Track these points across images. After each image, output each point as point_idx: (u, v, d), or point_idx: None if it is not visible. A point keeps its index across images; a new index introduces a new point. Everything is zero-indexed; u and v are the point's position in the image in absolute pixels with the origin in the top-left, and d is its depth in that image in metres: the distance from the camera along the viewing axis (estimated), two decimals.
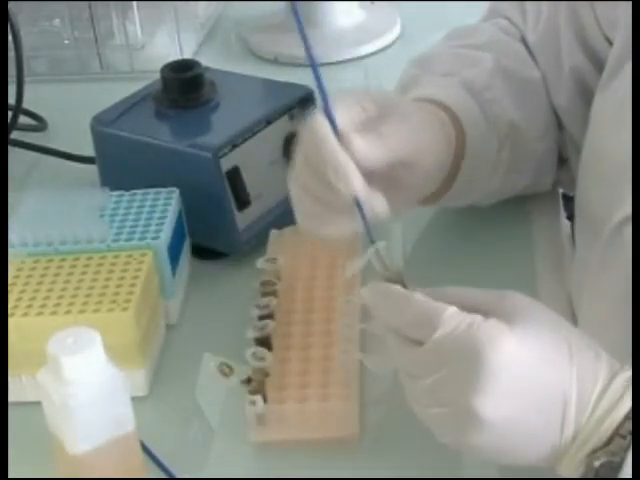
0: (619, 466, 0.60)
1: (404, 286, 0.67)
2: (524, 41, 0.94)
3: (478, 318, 0.61)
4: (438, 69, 0.91)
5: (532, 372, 0.61)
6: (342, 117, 0.71)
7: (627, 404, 0.61)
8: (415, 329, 0.63)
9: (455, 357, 0.61)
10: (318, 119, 0.70)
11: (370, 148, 0.72)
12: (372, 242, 0.70)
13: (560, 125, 0.93)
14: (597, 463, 0.60)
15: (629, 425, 0.60)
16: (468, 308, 0.63)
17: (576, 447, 0.61)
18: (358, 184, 0.70)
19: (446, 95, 0.85)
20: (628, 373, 0.62)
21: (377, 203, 0.71)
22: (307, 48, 0.67)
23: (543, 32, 0.91)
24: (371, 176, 0.72)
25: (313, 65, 0.67)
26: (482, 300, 0.63)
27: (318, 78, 0.68)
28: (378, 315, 0.66)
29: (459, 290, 0.65)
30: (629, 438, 0.60)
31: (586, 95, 0.88)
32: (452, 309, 0.62)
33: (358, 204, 0.70)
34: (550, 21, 0.91)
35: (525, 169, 0.92)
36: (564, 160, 0.95)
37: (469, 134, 0.84)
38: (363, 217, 0.71)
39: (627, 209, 0.71)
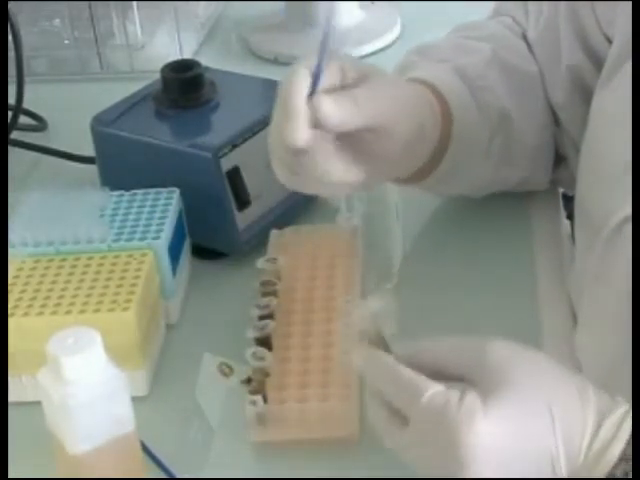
0: None
1: (387, 347, 0.65)
2: (525, 39, 0.94)
3: (454, 398, 0.60)
4: (435, 56, 0.91)
5: (512, 442, 0.60)
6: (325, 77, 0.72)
7: (618, 446, 0.60)
8: (398, 400, 0.63)
9: (435, 440, 0.61)
10: (297, 68, 0.72)
11: (339, 109, 0.72)
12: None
13: (557, 122, 0.93)
14: None
15: (624, 466, 0.59)
16: (447, 372, 0.62)
17: None
18: (302, 133, 0.71)
19: (438, 79, 0.85)
20: (615, 416, 0.61)
21: (325, 106, 0.71)
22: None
23: (543, 30, 0.91)
24: (347, 141, 0.72)
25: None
26: (458, 365, 0.63)
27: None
28: (367, 380, 0.66)
29: (436, 351, 0.64)
30: None
31: (584, 94, 0.88)
32: (429, 393, 0.61)
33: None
34: (550, 20, 0.91)
35: (519, 163, 0.92)
36: (563, 158, 0.95)
37: (457, 117, 0.84)
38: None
39: (627, 209, 0.71)
